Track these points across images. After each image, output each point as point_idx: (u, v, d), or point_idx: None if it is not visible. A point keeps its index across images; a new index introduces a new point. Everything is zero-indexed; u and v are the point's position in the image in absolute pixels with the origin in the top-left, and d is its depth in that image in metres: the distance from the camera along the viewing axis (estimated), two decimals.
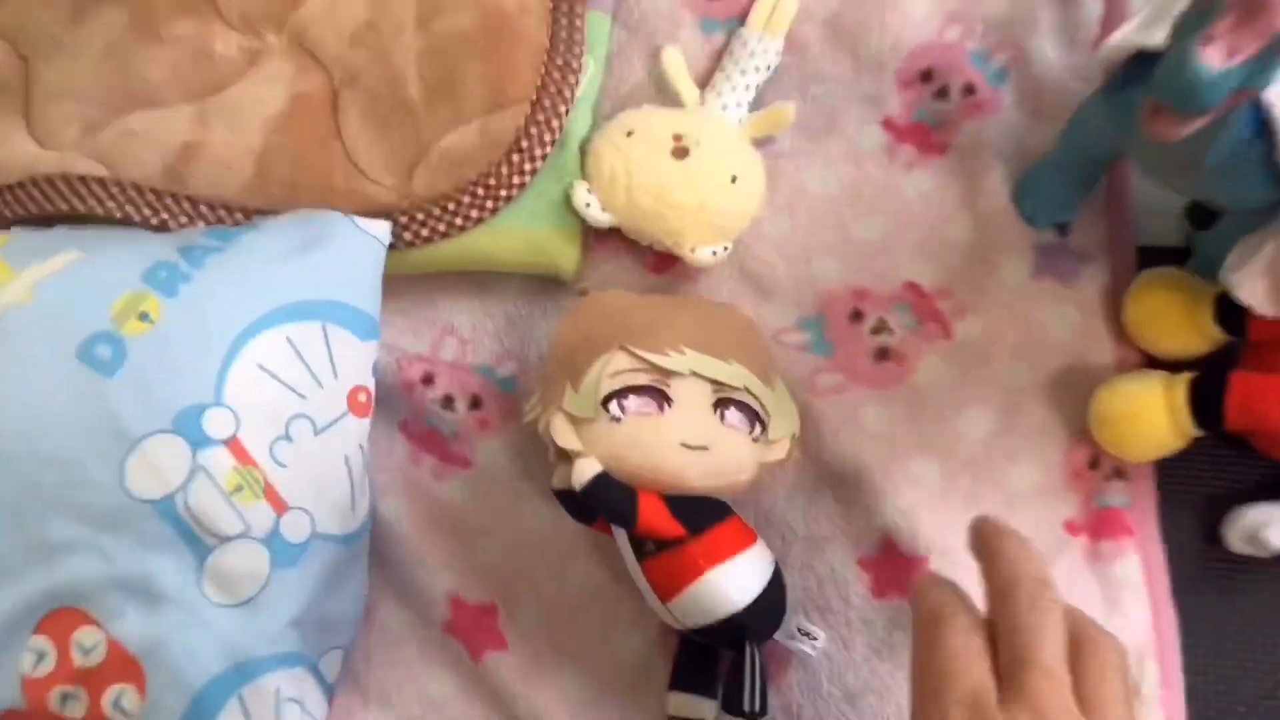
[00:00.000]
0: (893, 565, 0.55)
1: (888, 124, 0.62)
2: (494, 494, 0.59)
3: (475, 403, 0.60)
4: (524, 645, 0.56)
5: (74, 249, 0.55)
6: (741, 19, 0.64)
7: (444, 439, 0.60)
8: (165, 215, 0.59)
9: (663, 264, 0.61)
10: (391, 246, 0.58)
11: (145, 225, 0.59)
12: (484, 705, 0.56)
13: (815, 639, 0.52)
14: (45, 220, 0.59)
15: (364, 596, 0.57)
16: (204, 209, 0.59)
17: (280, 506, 0.52)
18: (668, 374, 0.50)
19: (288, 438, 0.53)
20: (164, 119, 0.60)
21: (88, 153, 0.59)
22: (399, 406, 0.60)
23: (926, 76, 0.62)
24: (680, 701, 0.54)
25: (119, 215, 0.59)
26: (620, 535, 0.51)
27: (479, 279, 0.62)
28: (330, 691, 0.55)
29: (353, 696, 0.57)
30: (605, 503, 0.49)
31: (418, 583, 0.57)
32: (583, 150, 0.60)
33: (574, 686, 0.56)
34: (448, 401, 0.59)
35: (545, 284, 0.61)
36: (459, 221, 0.59)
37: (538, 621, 0.57)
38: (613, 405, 0.50)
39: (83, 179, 0.59)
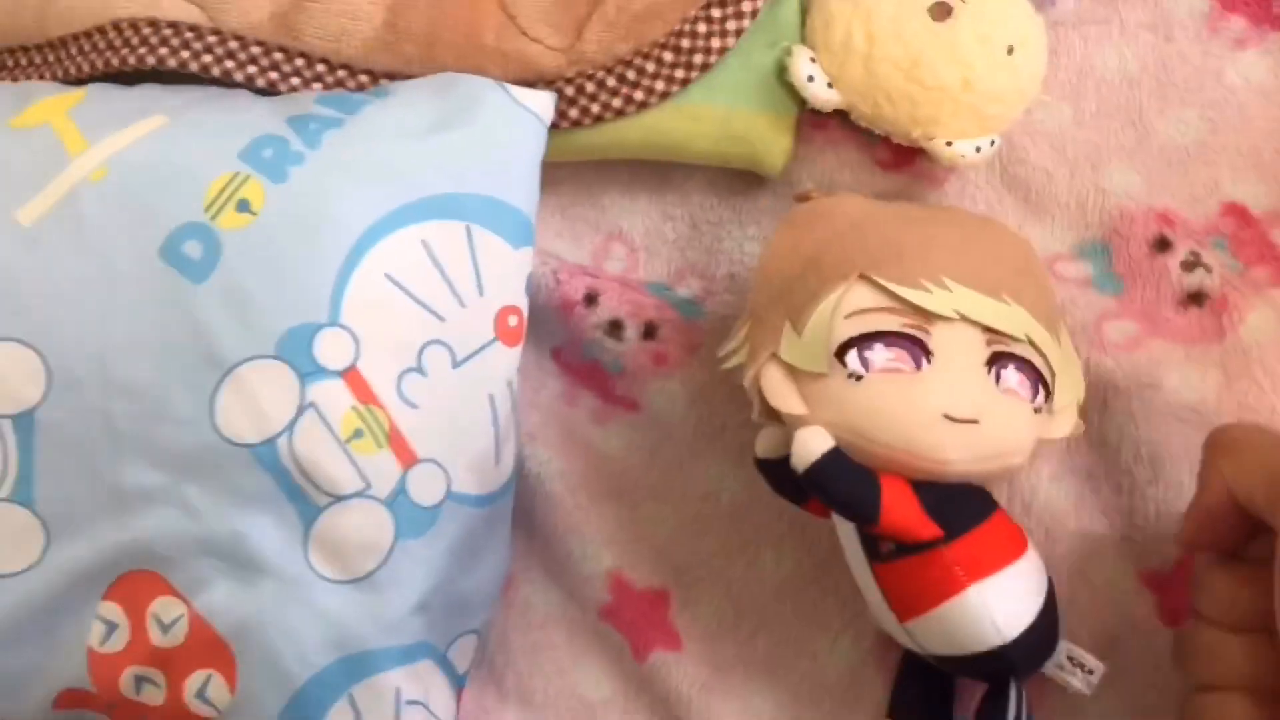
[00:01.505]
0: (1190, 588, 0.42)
1: None
2: (667, 449, 0.47)
3: (649, 330, 0.47)
4: (701, 645, 0.45)
5: (159, 114, 0.44)
6: None
7: (608, 374, 0.48)
8: (273, 75, 0.47)
9: (899, 160, 0.47)
10: (553, 125, 0.46)
11: (248, 86, 0.47)
12: (648, 717, 0.45)
13: (1091, 672, 0.39)
14: (127, 78, 0.47)
15: (505, 570, 0.46)
16: (320, 68, 0.47)
17: (409, 458, 0.41)
18: (928, 316, 0.37)
19: (420, 370, 0.41)
20: None
21: None
22: (553, 330, 0.48)
23: None
24: None
25: (216, 73, 0.47)
26: (844, 525, 0.39)
27: (657, 171, 0.49)
28: (459, 683, 0.44)
29: (487, 690, 0.46)
30: (836, 489, 0.37)
31: (571, 555, 0.46)
32: (804, 6, 0.46)
33: (762, 702, 0.44)
34: (615, 327, 0.47)
35: (741, 179, 0.48)
36: (639, 95, 0.46)
37: (720, 616, 0.45)
38: (851, 357, 0.37)
39: (173, 25, 0.47)
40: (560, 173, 0.49)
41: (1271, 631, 0.34)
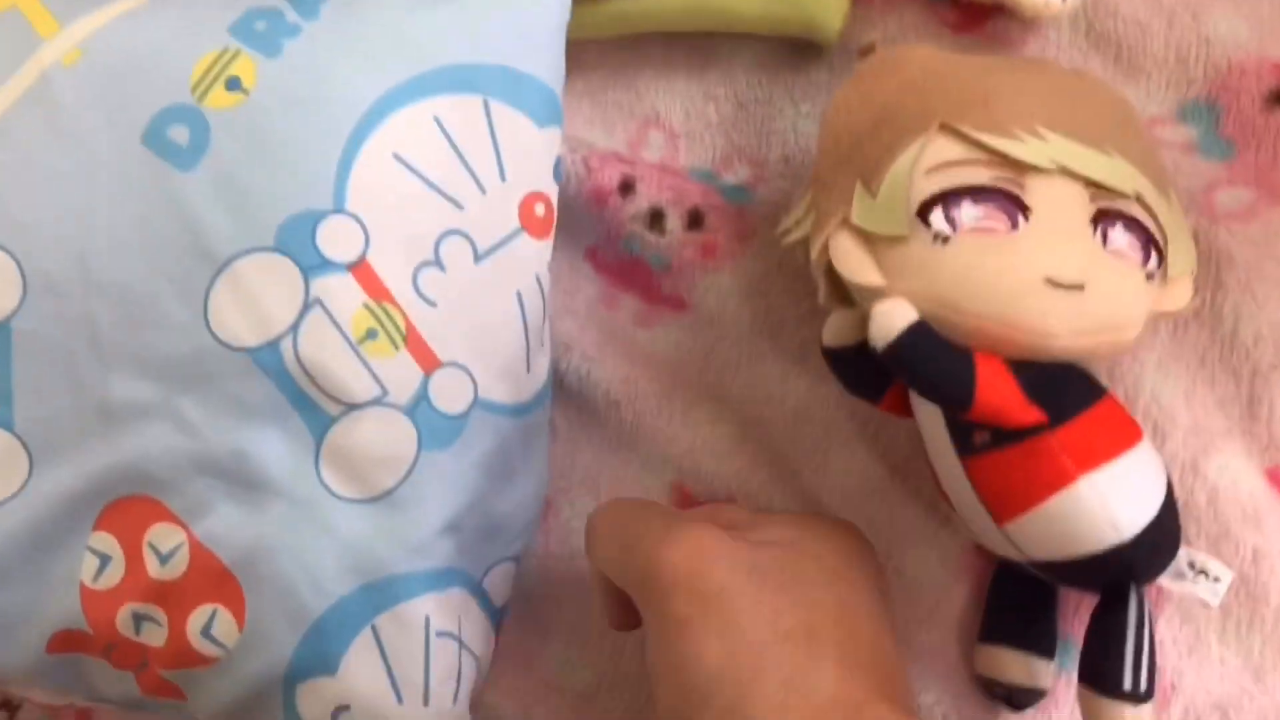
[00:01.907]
0: None
1: None
2: (721, 350, 0.42)
3: (695, 219, 0.42)
4: None
5: None
6: None
7: (650, 271, 0.43)
8: None
9: (970, 21, 0.42)
10: None
11: None
12: None
13: (1218, 580, 0.34)
14: None
15: (543, 492, 0.41)
16: None
17: (429, 361, 0.36)
18: (1022, 168, 0.32)
19: (438, 263, 0.37)
20: None
21: None
22: (586, 227, 0.43)
23: None
24: (999, 659, 0.37)
25: None
26: (930, 417, 0.34)
27: (697, 46, 0.44)
28: (496, 617, 0.40)
29: (527, 629, 0.42)
30: (924, 367, 0.32)
31: (624, 471, 0.41)
32: None
33: None
34: (656, 218, 0.42)
35: (791, 53, 0.43)
36: None
37: None
38: (935, 216, 0.32)
39: None
40: (587, 53, 0.44)
41: None
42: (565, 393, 0.42)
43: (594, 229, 0.43)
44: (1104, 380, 0.38)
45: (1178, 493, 0.37)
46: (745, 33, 0.43)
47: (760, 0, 0.41)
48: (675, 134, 0.44)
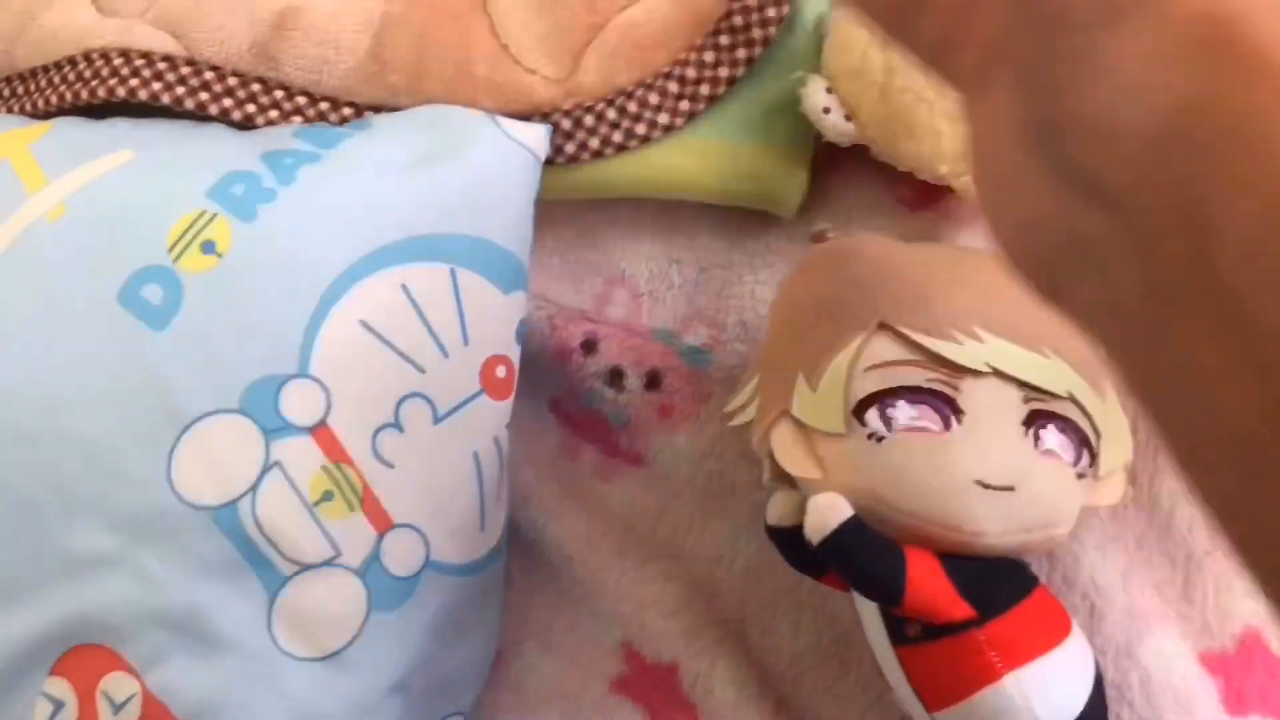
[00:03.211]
0: (1257, 672, 0.37)
1: None
2: (675, 509, 0.43)
3: (653, 380, 0.43)
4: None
5: (126, 149, 0.41)
6: None
7: (609, 426, 0.44)
8: (251, 107, 0.44)
9: (925, 198, 0.43)
10: (548, 161, 0.42)
11: (224, 119, 0.44)
12: None
13: None
14: (99, 111, 0.44)
15: (494, 645, 0.42)
16: (301, 100, 0.44)
17: (383, 522, 0.37)
18: (958, 369, 0.33)
19: (397, 426, 0.38)
20: None
21: (157, 21, 0.45)
22: (550, 380, 0.44)
23: None
24: None
25: (190, 105, 0.44)
26: (866, 606, 0.35)
27: (662, 211, 0.45)
28: None
29: None
30: (856, 563, 0.33)
31: (576, 626, 0.42)
32: (820, 34, 0.43)
33: None
34: (615, 377, 0.43)
35: (753, 221, 0.45)
36: (641, 128, 0.42)
37: (738, 688, 0.40)
38: (872, 415, 0.33)
39: (146, 56, 0.44)
40: (558, 212, 0.45)
41: None
42: (522, 544, 0.43)
43: (558, 382, 0.44)
44: (1044, 561, 0.39)
45: (1111, 675, 0.38)
46: (709, 202, 0.44)
47: (719, 175, 0.43)
48: (639, 293, 0.45)
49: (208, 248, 0.38)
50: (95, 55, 0.44)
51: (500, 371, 0.40)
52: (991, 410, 0.33)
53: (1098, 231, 0.21)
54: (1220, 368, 0.20)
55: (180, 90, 0.44)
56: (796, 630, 0.41)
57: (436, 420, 0.38)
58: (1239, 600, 0.38)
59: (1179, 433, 0.21)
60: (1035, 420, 0.34)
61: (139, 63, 0.44)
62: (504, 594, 0.42)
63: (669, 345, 0.44)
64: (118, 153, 0.41)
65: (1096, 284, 0.22)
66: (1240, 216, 0.19)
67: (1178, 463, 0.21)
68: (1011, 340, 0.34)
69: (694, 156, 0.43)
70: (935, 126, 0.39)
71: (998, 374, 0.34)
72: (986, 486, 0.33)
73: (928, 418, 0.33)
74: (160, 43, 0.44)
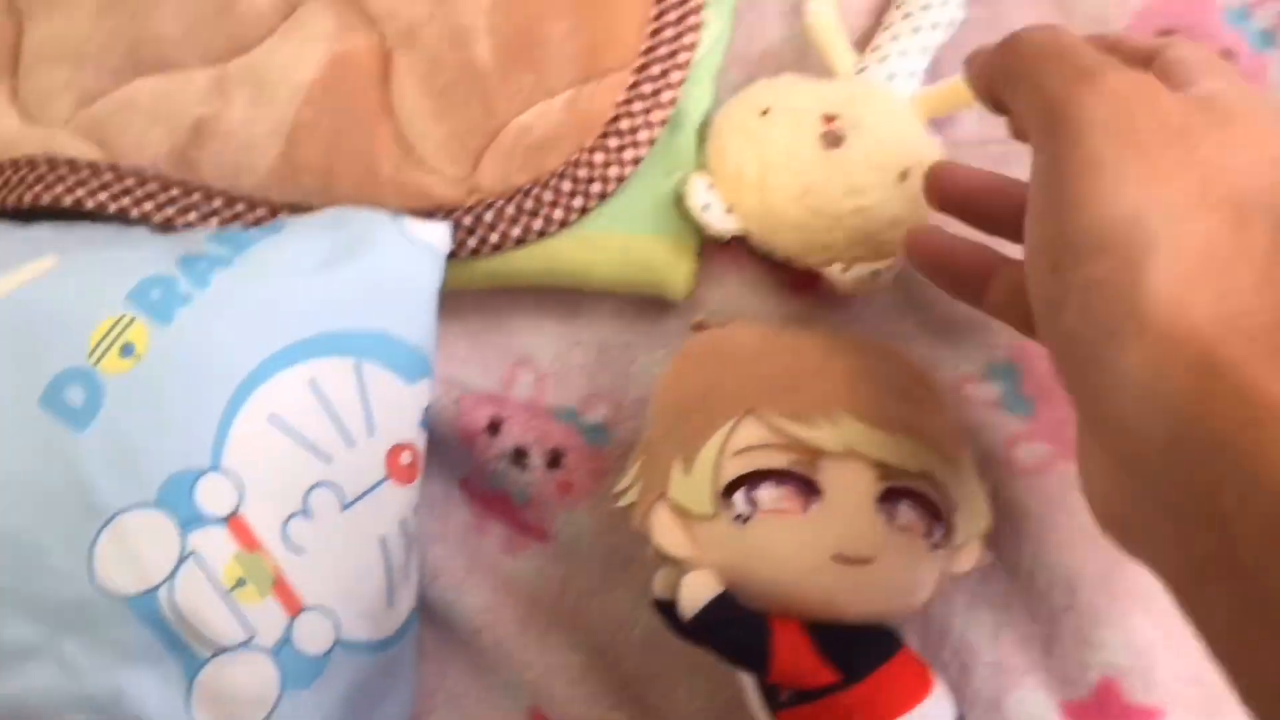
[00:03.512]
0: (1114, 717, 0.40)
1: None
2: (578, 580, 0.46)
3: (554, 459, 0.46)
4: None
5: (49, 255, 0.43)
6: None
7: (514, 504, 0.46)
8: (171, 210, 0.46)
9: (803, 282, 0.47)
10: (452, 255, 0.45)
11: (146, 222, 0.46)
12: None
13: None
14: (25, 215, 0.47)
15: (408, 715, 0.44)
16: (218, 202, 0.47)
17: (294, 605, 0.40)
18: (816, 452, 0.36)
19: (306, 513, 0.40)
20: (175, 87, 0.47)
21: (80, 130, 0.47)
22: (459, 460, 0.47)
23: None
24: None
25: (112, 209, 0.46)
26: (744, 673, 0.37)
27: (564, 296, 0.48)
28: None
29: None
30: (723, 637, 0.36)
31: (485, 695, 0.45)
32: (701, 134, 0.46)
33: None
34: (519, 456, 0.46)
35: (649, 304, 0.48)
36: (538, 224, 0.45)
37: None
38: (738, 497, 0.36)
39: (71, 163, 0.47)
40: (464, 298, 0.48)
41: None
42: (433, 617, 0.46)
43: (466, 462, 0.47)
44: (919, 622, 0.42)
45: None
46: (605, 289, 0.47)
47: (612, 265, 0.46)
48: (544, 374, 0.48)
49: (127, 350, 0.40)
50: (21, 162, 0.47)
51: (405, 458, 0.43)
52: (848, 489, 0.36)
53: (1146, 512, 0.26)
54: (1250, 637, 0.24)
55: (103, 196, 0.46)
56: (691, 694, 0.44)
57: (344, 507, 0.41)
58: (1095, 651, 0.41)
59: (1231, 681, 0.25)
60: (890, 497, 0.37)
61: (63, 169, 0.46)
62: (416, 666, 0.45)
63: (570, 424, 0.47)
64: (41, 259, 0.43)
65: (1152, 552, 0.27)
66: (1252, 514, 0.23)
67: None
68: (870, 422, 0.37)
69: (588, 248, 0.46)
70: (803, 221, 0.43)
71: (855, 454, 0.37)
72: (844, 561, 0.36)
73: (789, 498, 0.36)
74: (84, 150, 0.47)
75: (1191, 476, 0.24)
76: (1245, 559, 0.23)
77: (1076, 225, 0.26)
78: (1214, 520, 0.24)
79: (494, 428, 0.46)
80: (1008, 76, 0.32)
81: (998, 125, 0.46)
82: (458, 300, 0.47)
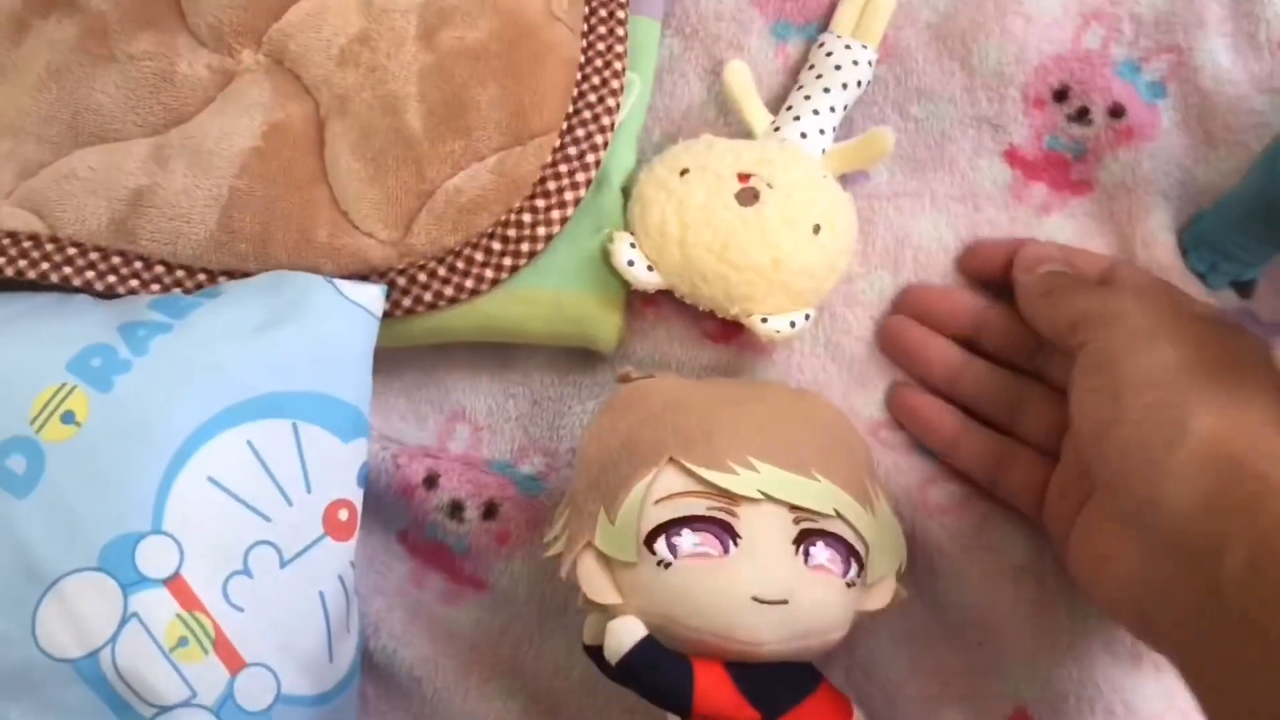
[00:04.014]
0: None
1: (1012, 155, 0.49)
2: (515, 628, 0.47)
3: (490, 510, 0.47)
4: None
5: None
6: (825, 23, 0.51)
7: (453, 555, 0.48)
8: (112, 278, 0.48)
9: (726, 332, 0.48)
10: (387, 315, 0.47)
11: (88, 291, 0.48)
12: None
13: None
14: None
15: None
16: (159, 269, 0.48)
17: (235, 663, 0.41)
18: (733, 498, 0.38)
19: (246, 572, 0.41)
20: (113, 159, 0.48)
21: (21, 202, 0.48)
22: (397, 514, 0.48)
23: (1061, 95, 0.49)
24: None
25: (54, 279, 0.47)
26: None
27: (498, 350, 0.50)
28: None
29: None
30: (647, 680, 0.37)
31: None
32: (625, 193, 0.48)
33: None
34: (455, 509, 0.47)
35: (580, 356, 0.49)
36: (470, 283, 0.47)
37: None
38: (660, 544, 0.38)
39: (12, 235, 0.48)
40: (401, 357, 0.49)
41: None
42: (374, 668, 0.47)
43: (404, 515, 0.48)
44: (845, 656, 0.44)
45: None
46: (538, 343, 0.49)
47: (543, 320, 0.47)
48: (479, 427, 0.50)
49: (67, 418, 0.41)
50: None
51: (343, 515, 0.44)
52: (765, 532, 0.38)
53: (1165, 575, 0.34)
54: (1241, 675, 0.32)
55: (44, 266, 0.47)
56: None
57: (283, 564, 0.42)
58: (1008, 683, 0.43)
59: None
60: (805, 539, 0.38)
61: (4, 241, 0.48)
62: (360, 718, 0.46)
63: (505, 475, 0.48)
64: None
65: (1163, 615, 0.35)
66: (1239, 560, 0.32)
67: None
68: (784, 466, 0.39)
69: (519, 304, 0.47)
70: (723, 274, 0.44)
71: (769, 498, 0.38)
72: (762, 602, 0.37)
73: (708, 543, 0.38)
74: (25, 223, 0.48)
75: (1211, 537, 0.33)
76: (1234, 600, 0.32)
77: (1134, 367, 0.37)
78: (1209, 569, 0.32)
79: (430, 481, 0.48)
80: (1046, 294, 0.43)
81: (907, 179, 0.48)
82: (393, 358, 0.49)
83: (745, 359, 0.48)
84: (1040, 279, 0.44)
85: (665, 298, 0.48)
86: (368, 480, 0.46)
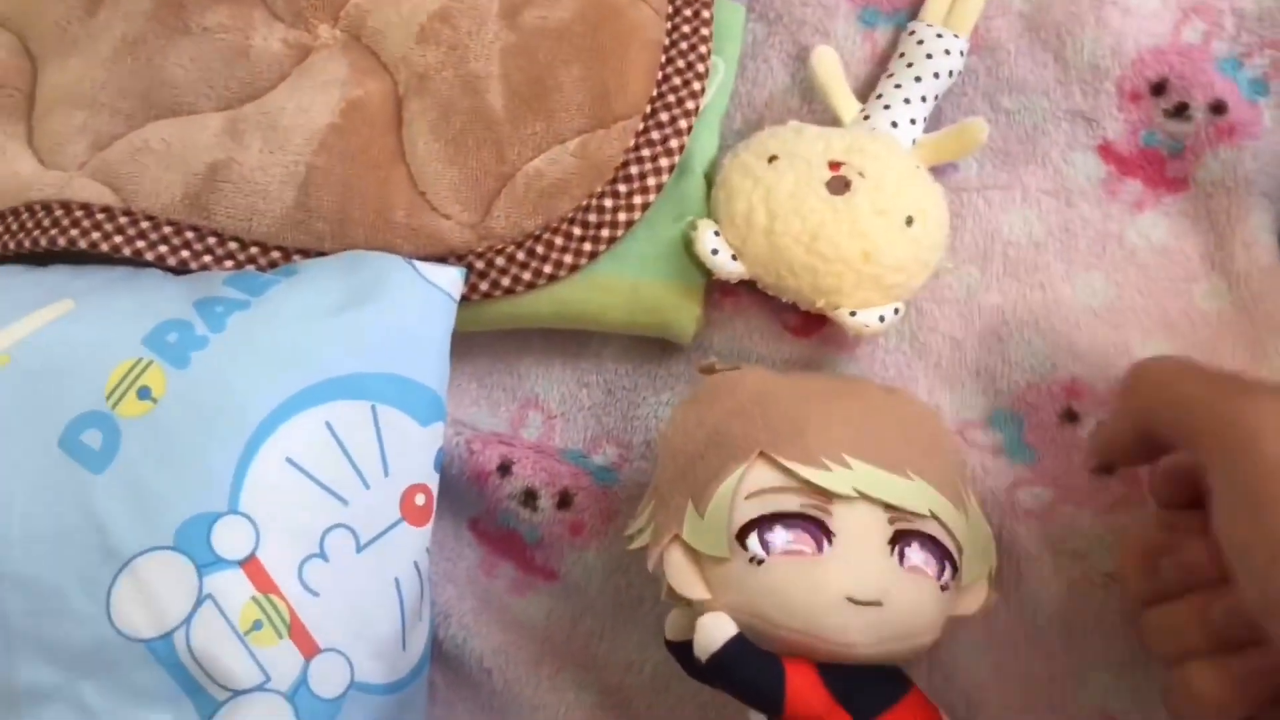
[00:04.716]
0: None
1: (1106, 150, 0.48)
2: (588, 619, 0.46)
3: (564, 499, 0.47)
4: None
5: (66, 298, 0.44)
6: (914, 10, 0.50)
7: (525, 544, 0.47)
8: (185, 254, 0.47)
9: (809, 326, 0.47)
10: (464, 298, 0.46)
11: (160, 265, 0.47)
12: None
13: None
14: (40, 258, 0.47)
15: None
16: (232, 246, 0.47)
17: (310, 648, 0.40)
18: (828, 495, 0.37)
19: (322, 555, 0.41)
20: (188, 132, 0.48)
21: (95, 174, 0.48)
22: (469, 501, 0.48)
23: (1159, 89, 0.47)
24: None
25: (127, 253, 0.47)
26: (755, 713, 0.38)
27: (572, 338, 0.49)
28: None
29: None
30: (738, 678, 0.36)
31: None
32: (709, 180, 0.47)
33: None
34: (529, 497, 0.47)
35: (656, 346, 0.48)
36: (548, 268, 0.46)
37: None
38: (752, 540, 0.37)
39: (85, 207, 0.47)
40: (475, 341, 0.49)
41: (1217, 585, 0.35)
42: (444, 657, 0.46)
43: (476, 503, 0.47)
44: (925, 663, 0.43)
45: None
46: (614, 331, 0.48)
47: (621, 308, 0.46)
48: (552, 415, 0.49)
49: (143, 394, 0.41)
50: (36, 207, 0.47)
51: (419, 500, 0.43)
52: (859, 532, 0.37)
53: None
54: None
55: (118, 239, 0.47)
56: None
57: (359, 549, 0.41)
58: (1095, 694, 0.42)
59: None
60: (900, 539, 0.37)
61: (78, 213, 0.47)
62: (428, 707, 0.45)
63: (579, 465, 0.47)
64: (58, 302, 0.43)
65: None
66: None
67: None
68: (878, 465, 0.38)
69: (597, 292, 0.47)
70: (811, 265, 0.43)
71: (865, 497, 0.37)
72: (856, 602, 0.36)
73: (802, 541, 0.37)
74: (98, 194, 0.47)
75: None
76: None
77: None
78: None
79: (504, 469, 0.47)
80: (1163, 402, 0.36)
81: (997, 172, 0.47)
82: (467, 343, 0.48)
83: (827, 354, 0.47)
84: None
85: (745, 289, 0.47)
86: (440, 466, 0.45)
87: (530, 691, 0.45)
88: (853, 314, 0.44)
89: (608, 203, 0.46)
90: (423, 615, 0.44)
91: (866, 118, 0.47)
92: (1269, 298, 0.44)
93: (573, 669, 0.45)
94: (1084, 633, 0.42)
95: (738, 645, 0.36)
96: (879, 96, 0.48)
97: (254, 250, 0.47)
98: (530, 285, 0.46)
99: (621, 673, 0.45)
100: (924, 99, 0.47)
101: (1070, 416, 0.45)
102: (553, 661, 0.45)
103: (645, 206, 0.46)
